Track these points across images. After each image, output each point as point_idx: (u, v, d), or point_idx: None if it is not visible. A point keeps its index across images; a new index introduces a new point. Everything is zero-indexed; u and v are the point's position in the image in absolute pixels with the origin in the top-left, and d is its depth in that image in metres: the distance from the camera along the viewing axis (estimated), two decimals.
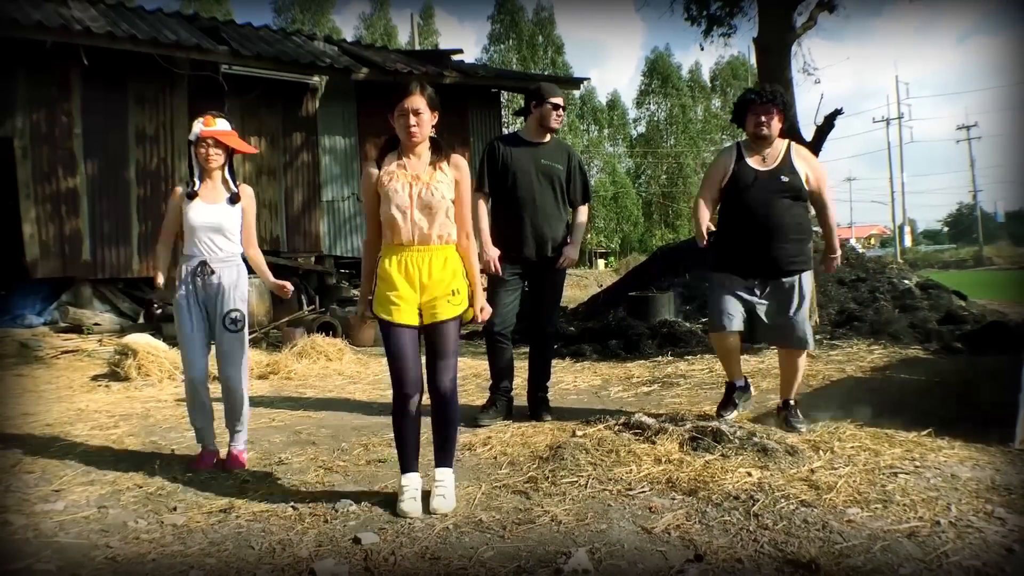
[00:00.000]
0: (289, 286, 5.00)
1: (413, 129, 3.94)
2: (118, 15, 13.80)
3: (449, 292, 3.98)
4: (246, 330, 4.94)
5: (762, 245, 5.31)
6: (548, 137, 6.14)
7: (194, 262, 4.80)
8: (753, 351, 8.52)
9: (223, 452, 5.00)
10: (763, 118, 5.39)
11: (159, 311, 4.65)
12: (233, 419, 4.95)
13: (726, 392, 5.78)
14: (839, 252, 5.71)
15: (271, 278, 5.07)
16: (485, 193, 6.00)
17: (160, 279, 5.00)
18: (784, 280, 5.34)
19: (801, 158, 5.48)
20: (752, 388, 5.90)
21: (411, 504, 3.87)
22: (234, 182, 4.96)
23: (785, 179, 5.34)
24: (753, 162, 5.44)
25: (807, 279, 5.41)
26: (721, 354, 5.78)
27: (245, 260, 5.00)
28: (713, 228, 5.49)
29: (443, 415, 4.10)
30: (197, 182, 4.87)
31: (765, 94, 5.46)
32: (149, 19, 14.28)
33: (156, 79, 13.37)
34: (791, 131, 9.68)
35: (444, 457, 4.11)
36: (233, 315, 4.83)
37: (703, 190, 5.70)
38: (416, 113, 3.93)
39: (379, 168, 4.05)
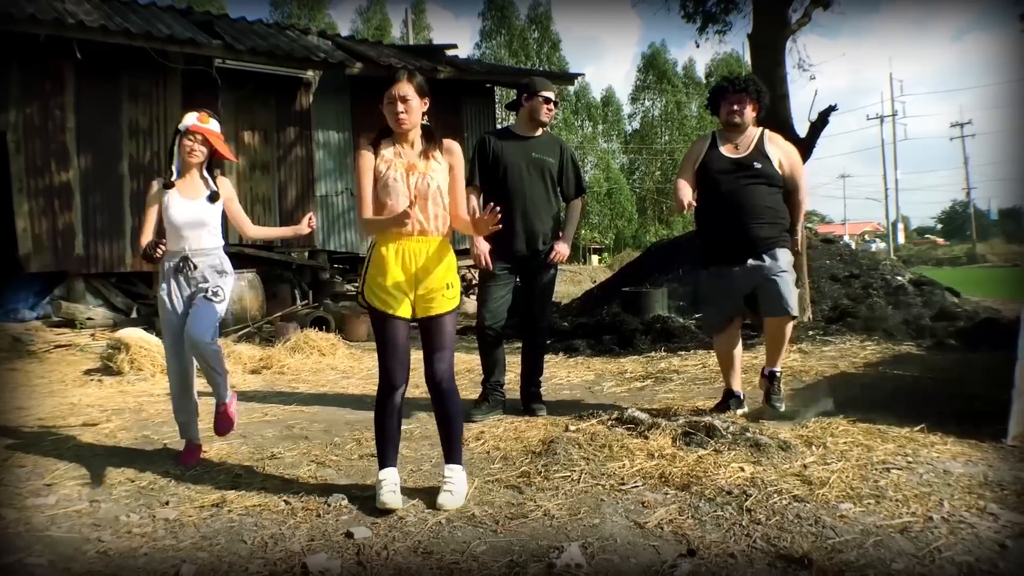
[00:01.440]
0: (308, 220, 5.01)
1: (401, 116, 3.91)
2: (112, 9, 13.74)
3: (444, 286, 3.97)
4: (223, 305, 4.84)
5: (737, 230, 5.35)
6: (540, 131, 6.14)
7: (176, 258, 4.79)
8: (747, 347, 8.52)
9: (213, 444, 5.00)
10: (735, 106, 5.45)
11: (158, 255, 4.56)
12: (210, 373, 4.80)
13: (723, 397, 5.80)
14: (799, 235, 5.71)
15: (287, 230, 5.21)
16: (476, 187, 6.00)
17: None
18: (762, 256, 5.35)
19: (774, 144, 5.52)
20: (745, 404, 5.85)
21: (389, 496, 3.86)
22: (213, 180, 4.95)
23: (758, 166, 5.37)
24: (725, 150, 5.49)
25: (783, 252, 5.42)
26: (720, 355, 5.84)
27: (228, 253, 4.99)
28: (695, 203, 5.48)
29: (445, 408, 4.07)
30: (175, 172, 4.85)
31: (738, 82, 5.52)
32: (143, 13, 14.22)
33: (150, 73, 13.31)
34: (785, 127, 9.69)
35: (452, 453, 4.10)
36: (214, 289, 4.78)
37: (680, 173, 5.76)
38: (404, 100, 3.90)
39: (374, 152, 4.02)
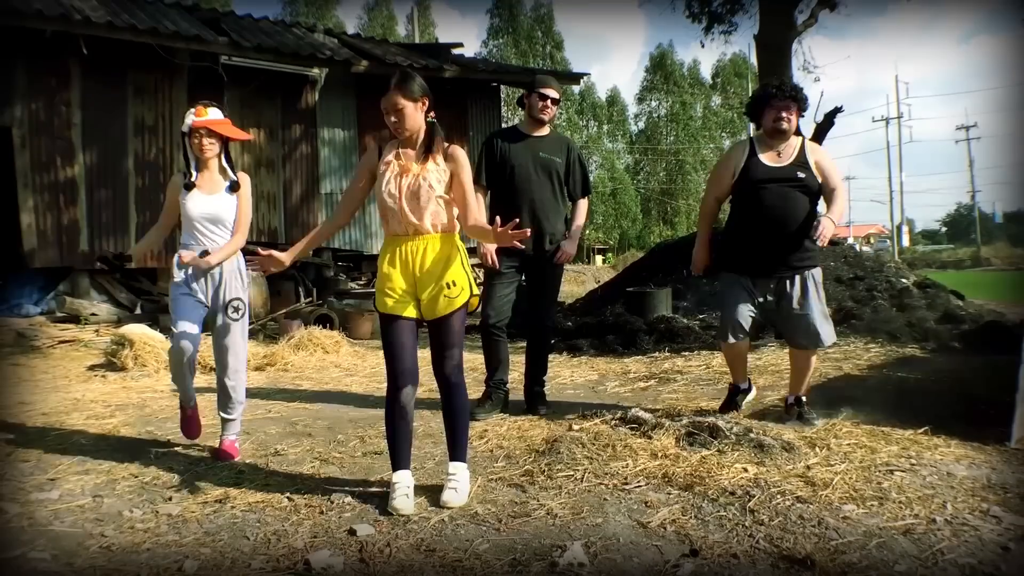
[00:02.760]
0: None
1: (395, 126, 3.96)
2: (118, 5, 13.75)
3: (445, 285, 3.95)
4: (246, 319, 4.94)
5: (776, 242, 5.25)
6: (547, 130, 6.13)
7: (196, 251, 4.78)
8: (751, 348, 8.50)
9: (215, 442, 5.01)
10: (783, 114, 5.31)
11: (126, 265, 4.58)
12: (227, 408, 4.94)
13: (729, 394, 5.77)
14: (829, 225, 5.20)
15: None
16: (483, 187, 6.00)
17: (136, 252, 5.05)
18: (796, 277, 5.26)
19: (815, 154, 5.39)
20: (753, 387, 5.88)
21: (403, 501, 3.85)
22: (232, 171, 4.93)
23: (802, 175, 5.25)
24: (767, 158, 5.36)
25: (818, 275, 5.34)
26: (728, 359, 5.78)
27: (243, 251, 4.97)
28: (709, 265, 5.57)
29: (452, 404, 4.08)
30: (194, 173, 4.84)
31: (785, 89, 5.39)
32: (149, 9, 14.23)
33: (155, 70, 13.33)
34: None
35: (457, 450, 4.11)
36: (235, 303, 4.83)
37: (711, 188, 5.66)
38: (396, 110, 3.93)
39: (380, 153, 4.08)
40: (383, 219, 4.06)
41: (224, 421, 4.98)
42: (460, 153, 4.11)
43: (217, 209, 4.79)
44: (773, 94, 5.39)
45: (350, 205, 4.28)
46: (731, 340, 5.49)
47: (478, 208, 4.28)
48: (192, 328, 4.73)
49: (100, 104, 13.05)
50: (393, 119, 3.95)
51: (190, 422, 5.08)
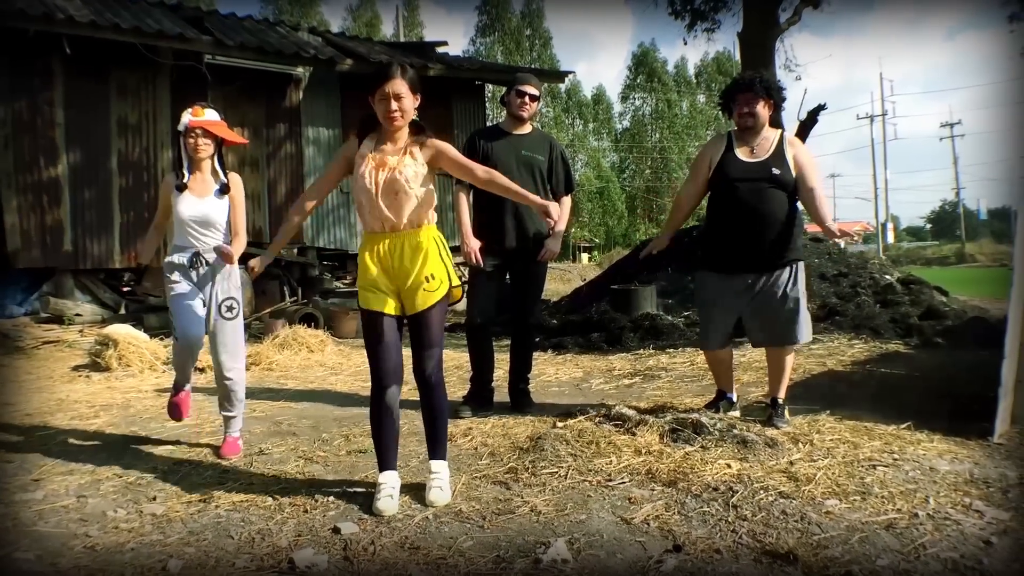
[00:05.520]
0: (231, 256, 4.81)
1: (394, 114, 3.87)
2: (101, 3, 13.70)
3: (424, 279, 3.92)
4: (241, 317, 4.97)
5: (751, 240, 5.13)
6: (529, 128, 6.13)
7: (188, 253, 4.83)
8: (734, 343, 8.52)
9: (200, 440, 5.03)
10: (746, 108, 5.19)
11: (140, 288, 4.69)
12: (228, 407, 4.99)
13: (716, 397, 5.66)
14: (832, 223, 5.27)
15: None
16: (466, 186, 5.99)
17: (143, 260, 5.12)
18: (775, 272, 5.14)
19: (793, 149, 5.23)
20: (737, 407, 5.67)
21: (387, 502, 3.83)
22: (224, 172, 4.95)
23: (776, 171, 5.10)
24: (741, 153, 5.23)
25: (799, 270, 5.21)
26: (711, 365, 5.72)
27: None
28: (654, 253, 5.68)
29: (432, 403, 4.08)
30: (187, 174, 4.86)
31: (743, 81, 5.29)
32: (132, 8, 14.18)
33: (139, 69, 13.29)
34: (774, 126, 9.68)
35: (437, 449, 4.11)
36: (228, 302, 4.87)
37: (686, 184, 5.61)
38: (398, 98, 3.85)
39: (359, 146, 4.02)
40: (360, 215, 4.01)
41: (226, 419, 5.03)
42: (434, 140, 4.05)
43: (207, 212, 4.82)
44: (732, 87, 5.33)
45: (323, 189, 4.23)
46: (708, 346, 5.48)
47: (479, 167, 4.19)
48: (195, 325, 4.79)
49: (83, 103, 13.00)
50: (393, 107, 3.85)
51: (179, 405, 5.10)
